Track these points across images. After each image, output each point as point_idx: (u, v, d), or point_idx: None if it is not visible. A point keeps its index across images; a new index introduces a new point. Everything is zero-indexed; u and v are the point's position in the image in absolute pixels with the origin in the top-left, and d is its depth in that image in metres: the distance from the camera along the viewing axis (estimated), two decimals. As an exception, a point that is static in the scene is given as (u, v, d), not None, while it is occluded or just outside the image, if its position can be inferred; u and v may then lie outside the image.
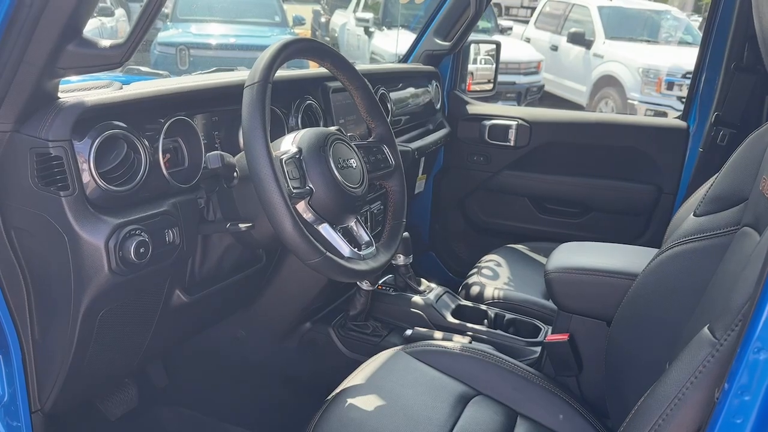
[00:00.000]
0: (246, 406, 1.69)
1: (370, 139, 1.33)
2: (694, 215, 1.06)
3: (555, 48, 8.46)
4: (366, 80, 1.30)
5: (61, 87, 1.02)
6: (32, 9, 0.86)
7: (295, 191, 1.06)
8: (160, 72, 2.01)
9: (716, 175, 1.06)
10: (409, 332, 1.58)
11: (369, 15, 7.97)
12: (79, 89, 1.09)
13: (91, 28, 6.29)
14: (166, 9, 8.21)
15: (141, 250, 1.02)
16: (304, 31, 10.70)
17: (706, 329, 0.72)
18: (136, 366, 1.34)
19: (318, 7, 12.62)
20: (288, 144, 1.13)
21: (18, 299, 1.04)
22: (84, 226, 0.97)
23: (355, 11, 8.88)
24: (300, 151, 1.11)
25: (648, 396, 0.76)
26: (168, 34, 7.23)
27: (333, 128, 1.25)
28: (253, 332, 1.67)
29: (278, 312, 1.63)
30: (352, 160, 1.19)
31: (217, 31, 7.33)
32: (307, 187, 1.09)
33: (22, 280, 1.03)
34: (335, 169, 1.13)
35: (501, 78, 7.36)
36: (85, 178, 0.98)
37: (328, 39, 11.15)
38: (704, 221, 1.02)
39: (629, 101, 6.91)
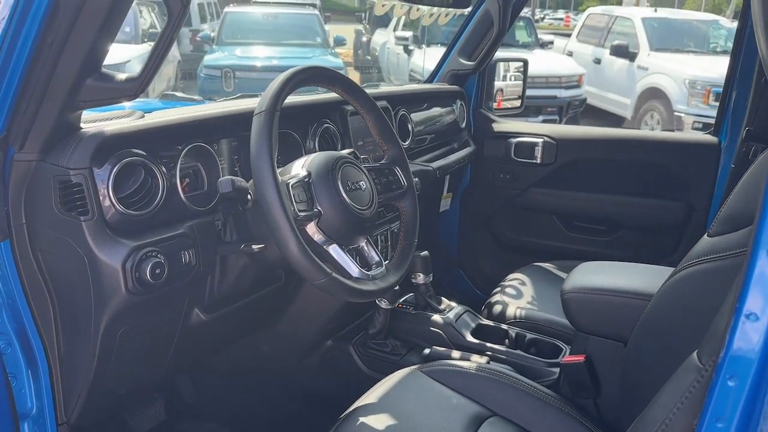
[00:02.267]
0: (268, 422, 1.72)
1: (383, 161, 1.36)
2: (707, 235, 1.04)
3: (598, 61, 8.35)
4: (376, 103, 1.33)
5: (85, 116, 1.09)
6: (53, 48, 0.93)
7: (301, 214, 1.09)
8: (195, 97, 2.11)
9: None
10: (427, 351, 1.58)
11: (408, 33, 8.06)
12: (101, 119, 1.16)
13: (142, 53, 6.57)
14: (212, 32, 8.51)
15: (157, 271, 1.07)
16: (346, 51, 10.89)
17: (694, 354, 0.71)
18: (160, 381, 1.39)
19: (360, 27, 12.83)
20: (298, 168, 1.17)
21: (45, 318, 1.10)
22: (102, 249, 1.03)
23: (394, 30, 9.00)
24: (309, 174, 1.15)
25: (638, 420, 0.76)
26: (214, 57, 7.48)
27: (345, 151, 1.28)
28: (276, 349, 1.71)
29: (300, 329, 1.66)
30: (362, 182, 1.22)
31: (261, 54, 7.56)
32: (315, 210, 1.12)
33: (48, 299, 1.10)
34: (343, 191, 1.16)
35: (542, 92, 7.29)
36: (105, 203, 1.04)
37: (369, 58, 11.31)
38: (717, 242, 1.01)
39: (675, 113, 6.74)
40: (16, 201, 1.03)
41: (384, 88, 2.02)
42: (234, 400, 1.75)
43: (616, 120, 7.93)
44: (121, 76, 0.99)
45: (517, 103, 2.51)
